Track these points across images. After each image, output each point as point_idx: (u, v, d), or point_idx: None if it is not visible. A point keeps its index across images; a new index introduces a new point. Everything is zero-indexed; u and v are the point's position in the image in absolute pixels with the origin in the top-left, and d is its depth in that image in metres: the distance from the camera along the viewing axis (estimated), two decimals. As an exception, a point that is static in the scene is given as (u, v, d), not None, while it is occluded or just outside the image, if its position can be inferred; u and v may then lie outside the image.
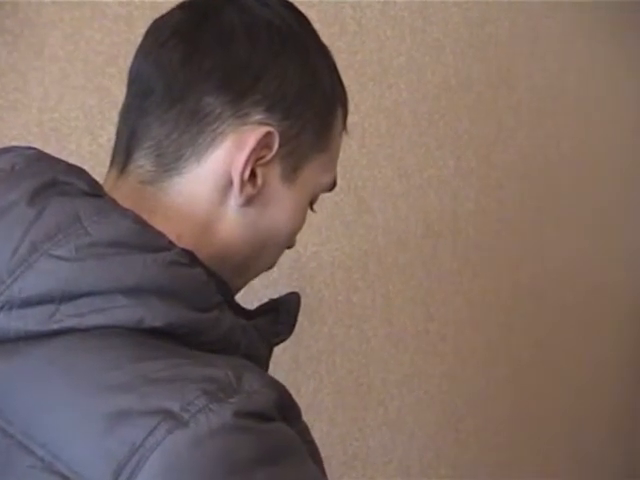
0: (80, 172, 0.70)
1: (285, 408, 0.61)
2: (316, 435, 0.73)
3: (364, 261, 1.76)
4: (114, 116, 1.25)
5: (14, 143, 1.16)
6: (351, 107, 0.86)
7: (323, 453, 0.71)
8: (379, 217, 1.78)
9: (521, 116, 2.20)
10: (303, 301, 0.86)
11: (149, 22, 1.28)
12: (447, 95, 1.94)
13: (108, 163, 0.80)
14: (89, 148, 1.26)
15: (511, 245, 2.20)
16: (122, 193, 0.71)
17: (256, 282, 0.88)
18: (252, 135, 0.70)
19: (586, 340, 2.57)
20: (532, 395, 2.33)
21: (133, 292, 0.60)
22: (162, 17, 0.78)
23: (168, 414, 0.53)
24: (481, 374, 2.13)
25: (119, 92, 1.26)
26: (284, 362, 1.59)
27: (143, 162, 0.72)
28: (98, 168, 0.76)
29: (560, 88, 2.37)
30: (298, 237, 0.87)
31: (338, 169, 0.88)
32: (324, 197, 1.56)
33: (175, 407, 0.53)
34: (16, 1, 1.19)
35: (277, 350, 0.82)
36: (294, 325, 0.80)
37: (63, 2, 1.23)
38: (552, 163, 2.35)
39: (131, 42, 1.27)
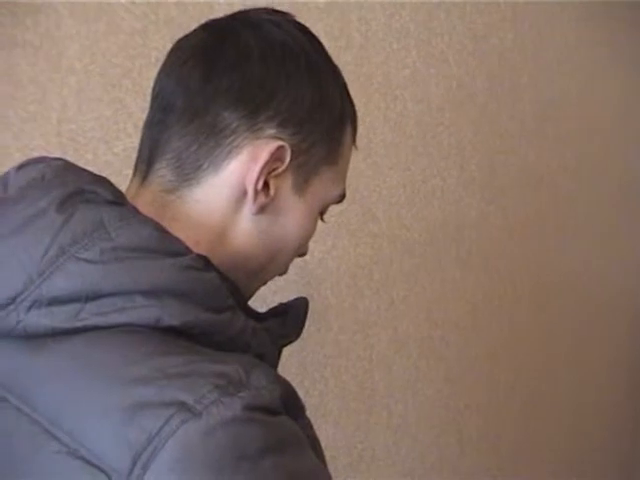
0: (104, 182, 0.74)
1: (290, 403, 0.65)
2: (322, 437, 0.76)
3: (369, 268, 1.80)
4: (129, 127, 1.32)
5: (35, 153, 1.22)
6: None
7: (328, 455, 0.74)
8: (384, 225, 1.82)
9: (524, 126, 2.23)
10: (310, 307, 0.90)
11: (163, 36, 1.34)
12: (451, 106, 1.98)
13: (123, 172, 0.84)
14: (104, 157, 1.30)
15: (514, 253, 2.22)
16: (144, 201, 0.76)
17: (264, 288, 0.91)
18: (265, 148, 0.75)
19: (587, 346, 2.59)
20: (534, 400, 2.35)
21: (151, 293, 0.65)
22: (184, 37, 0.83)
23: (183, 406, 0.57)
24: (483, 379, 2.15)
25: (133, 104, 1.32)
26: (291, 366, 1.62)
27: (164, 172, 0.77)
28: (113, 177, 0.79)
29: (563, 98, 2.40)
30: (305, 245, 0.91)
31: (343, 178, 0.92)
32: (330, 206, 1.61)
33: (189, 400, 0.58)
34: (36, 15, 1.24)
35: (284, 355, 0.86)
36: (302, 328, 0.85)
37: (80, 17, 1.28)
38: (555, 173, 2.37)
39: (145, 56, 1.33)
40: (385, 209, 1.82)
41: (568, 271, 2.45)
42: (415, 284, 1.92)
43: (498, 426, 2.23)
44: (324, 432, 1.66)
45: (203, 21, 0.86)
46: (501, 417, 2.24)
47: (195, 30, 0.84)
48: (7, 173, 0.75)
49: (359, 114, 0.89)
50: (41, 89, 1.26)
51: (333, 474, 0.70)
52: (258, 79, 0.76)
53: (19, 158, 1.22)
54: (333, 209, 1.62)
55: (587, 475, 2.60)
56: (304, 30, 0.84)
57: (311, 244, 1.58)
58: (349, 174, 0.92)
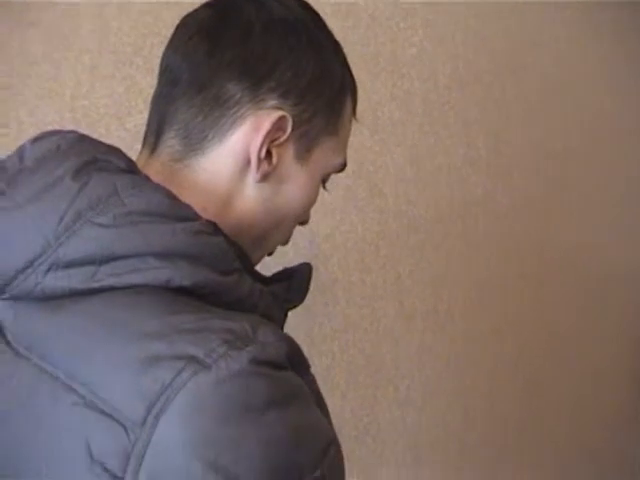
0: (117, 151, 0.78)
1: (295, 360, 0.68)
2: (329, 409, 0.80)
3: (376, 243, 1.83)
4: (140, 103, 1.36)
5: (49, 128, 1.25)
6: (364, 96, 0.93)
7: (334, 427, 0.77)
8: (390, 201, 1.85)
9: (529, 106, 2.25)
10: (318, 281, 0.94)
11: (172, 15, 1.36)
12: (457, 85, 2.00)
13: (134, 146, 0.88)
14: (117, 133, 1.34)
15: (518, 230, 2.24)
16: (154, 170, 0.79)
17: (272, 263, 0.95)
18: (268, 119, 0.78)
19: (591, 322, 2.61)
20: (539, 375, 2.38)
21: (163, 255, 0.69)
22: (189, 14, 0.86)
23: (193, 359, 0.61)
24: (489, 354, 2.18)
25: (144, 81, 1.36)
26: (298, 340, 1.63)
27: (172, 143, 0.81)
28: (125, 152, 0.83)
29: (568, 78, 2.41)
30: (313, 219, 0.95)
31: (351, 155, 0.95)
32: (337, 181, 1.65)
33: (200, 353, 0.61)
34: (51, -5, 1.27)
35: (291, 327, 0.89)
36: (306, 293, 0.88)
37: (94, -4, 1.32)
38: (559, 151, 2.39)
39: (155, 34, 1.37)
40: (392, 185, 1.85)
41: (573, 248, 2.47)
42: (421, 259, 1.95)
43: (503, 401, 2.25)
44: (331, 405, 1.65)
45: (212, 0, 0.89)
46: (506, 392, 2.26)
47: (200, 7, 0.87)
48: (22, 146, 0.79)
49: (366, 91, 0.92)
50: (55, 67, 1.29)
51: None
52: (260, 53, 0.80)
53: (34, 133, 1.25)
54: (340, 184, 1.67)
55: (591, 450, 2.62)
56: (305, 6, 0.87)
57: (318, 219, 1.63)
58: (355, 150, 0.95)
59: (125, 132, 1.34)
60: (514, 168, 2.20)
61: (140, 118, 1.34)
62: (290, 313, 0.89)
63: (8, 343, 0.74)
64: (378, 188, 1.81)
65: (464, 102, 2.03)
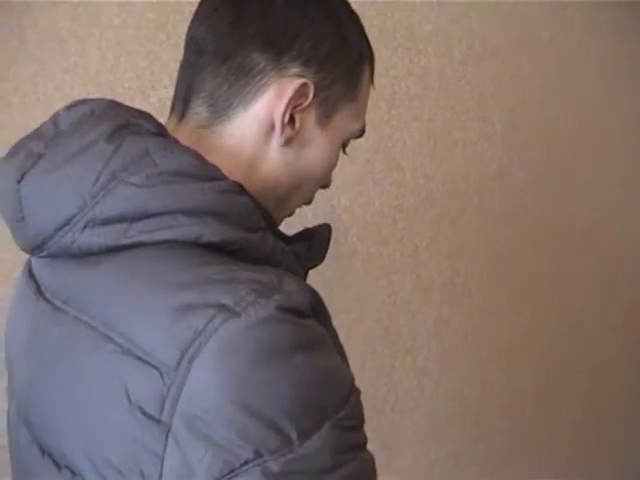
0: (148, 116, 0.82)
1: (317, 310, 0.72)
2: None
3: (393, 216, 1.86)
4: (164, 78, 1.40)
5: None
6: (381, 71, 0.96)
7: None
8: (408, 175, 1.88)
9: (545, 82, 2.26)
10: (337, 252, 0.97)
11: (194, -8, 1.40)
12: (473, 61, 2.03)
13: (159, 120, 0.92)
14: (141, 107, 1.34)
15: (534, 205, 2.26)
16: (182, 135, 0.83)
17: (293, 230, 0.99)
18: (290, 85, 0.82)
19: (607, 296, 2.62)
20: (555, 348, 2.40)
21: (193, 213, 0.72)
22: None
23: (224, 307, 0.64)
24: (505, 327, 2.21)
25: (167, 56, 1.40)
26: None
27: (199, 110, 0.84)
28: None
29: (584, 55, 2.42)
30: (332, 192, 0.98)
31: (369, 129, 0.99)
32: (356, 155, 1.68)
33: (229, 301, 0.65)
34: (76, -27, 1.31)
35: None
36: (325, 252, 0.92)
37: (118, -26, 1.35)
38: (575, 128, 2.40)
39: (177, 11, 1.41)
40: (409, 159, 1.88)
41: (586, 222, 2.48)
42: (438, 232, 1.98)
43: (520, 374, 2.28)
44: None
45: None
46: (523, 365, 2.29)
47: None
48: (57, 113, 0.83)
49: (383, 67, 0.95)
50: (81, 43, 1.33)
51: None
52: (282, 24, 0.83)
53: (61, 106, 1.30)
54: (358, 158, 1.70)
55: (607, 423, 2.64)
56: None
57: (337, 191, 1.66)
58: (373, 124, 0.98)
59: (149, 106, 1.37)
60: (529, 143, 2.22)
61: (164, 92, 1.38)
62: (309, 281, 0.93)
63: (46, 299, 0.79)
64: (395, 162, 1.85)
65: (480, 78, 2.05)
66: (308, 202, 0.95)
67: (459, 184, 2.02)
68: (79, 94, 1.32)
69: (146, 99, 1.38)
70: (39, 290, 0.81)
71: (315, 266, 0.92)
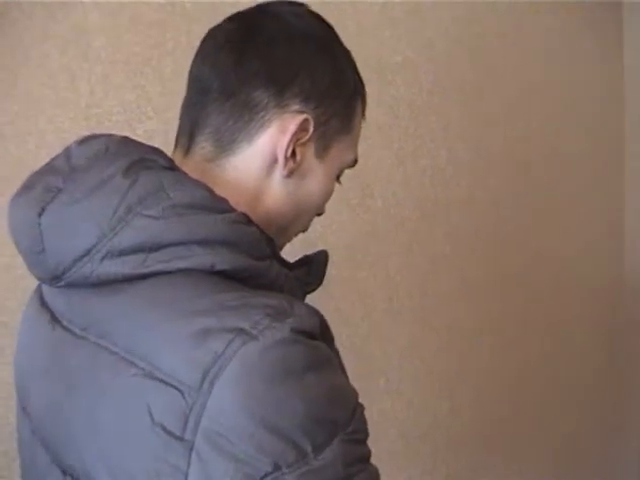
0: (159, 151, 0.86)
1: (324, 332, 0.77)
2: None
3: (366, 242, 1.91)
4: (149, 110, 1.45)
5: (66, 134, 1.34)
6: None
7: None
8: (379, 202, 1.93)
9: (508, 110, 2.32)
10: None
11: (179, 27, 1.46)
12: (439, 90, 2.08)
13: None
14: None
15: (499, 229, 2.31)
16: (188, 168, 0.87)
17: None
18: (293, 121, 0.88)
19: (573, 319, 2.65)
20: (522, 367, 2.44)
21: (206, 243, 0.77)
22: (215, 28, 0.95)
23: (242, 331, 0.69)
24: (473, 347, 2.25)
25: (153, 90, 1.44)
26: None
27: (205, 144, 0.89)
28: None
29: (546, 83, 2.47)
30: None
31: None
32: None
33: (246, 326, 0.69)
34: (66, 10, 1.35)
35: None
36: (323, 277, 0.98)
37: (106, 11, 1.39)
38: (537, 155, 2.46)
39: (163, 45, 1.45)
40: (380, 186, 1.93)
41: (552, 247, 2.53)
42: (408, 257, 2.03)
43: (488, 392, 2.32)
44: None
45: (214, 14, 0.98)
46: (490, 383, 2.32)
47: (223, 22, 0.95)
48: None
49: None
50: (71, 77, 1.37)
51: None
52: (283, 62, 0.89)
53: (52, 139, 1.35)
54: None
55: (575, 437, 2.68)
56: (319, 18, 0.97)
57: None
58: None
59: (136, 137, 1.38)
60: (494, 169, 2.27)
61: (150, 124, 1.42)
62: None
63: (64, 327, 0.83)
64: (370, 189, 1.90)
65: (446, 107, 2.10)
66: (305, 230, 1.00)
67: (428, 210, 2.07)
68: (69, 127, 1.36)
69: (133, 131, 1.41)
70: (54, 318, 0.85)
71: (313, 290, 0.97)
